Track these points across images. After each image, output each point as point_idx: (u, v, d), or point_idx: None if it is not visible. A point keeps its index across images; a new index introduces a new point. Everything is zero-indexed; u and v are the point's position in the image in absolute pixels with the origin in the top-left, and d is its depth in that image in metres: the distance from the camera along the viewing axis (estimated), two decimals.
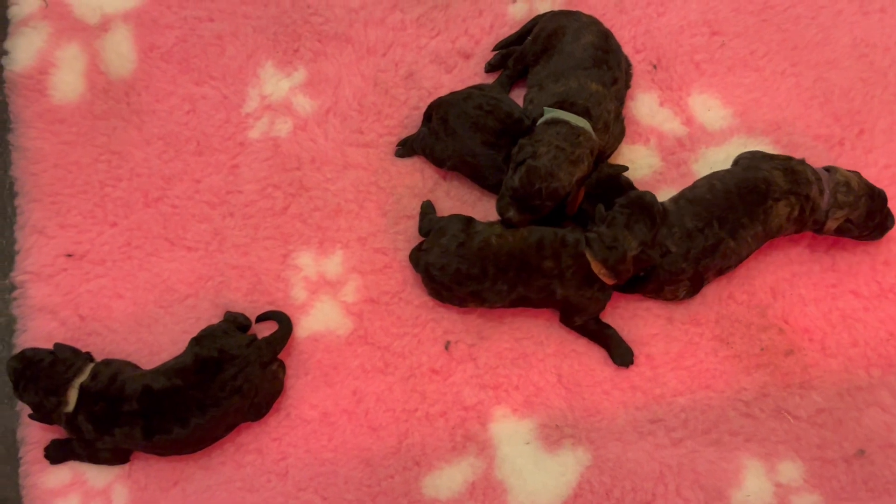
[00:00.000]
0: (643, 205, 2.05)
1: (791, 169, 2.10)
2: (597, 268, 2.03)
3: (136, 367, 2.13)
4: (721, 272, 2.14)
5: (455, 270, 2.07)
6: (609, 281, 2.05)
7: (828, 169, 2.14)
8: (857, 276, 2.21)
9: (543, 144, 2.05)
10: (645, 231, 2.03)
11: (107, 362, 2.08)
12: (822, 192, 2.09)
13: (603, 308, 2.13)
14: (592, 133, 2.12)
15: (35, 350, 2.07)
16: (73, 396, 1.99)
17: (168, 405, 1.96)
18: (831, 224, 2.11)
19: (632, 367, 2.15)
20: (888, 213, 2.15)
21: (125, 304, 2.24)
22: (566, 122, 2.09)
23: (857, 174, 2.14)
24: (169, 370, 2.01)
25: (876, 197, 2.13)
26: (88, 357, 2.12)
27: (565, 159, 2.04)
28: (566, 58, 2.22)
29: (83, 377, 2.01)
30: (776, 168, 2.09)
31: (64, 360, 2.03)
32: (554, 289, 2.06)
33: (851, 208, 2.09)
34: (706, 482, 2.05)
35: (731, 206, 2.06)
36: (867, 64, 2.39)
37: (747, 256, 2.13)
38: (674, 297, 2.15)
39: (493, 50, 2.42)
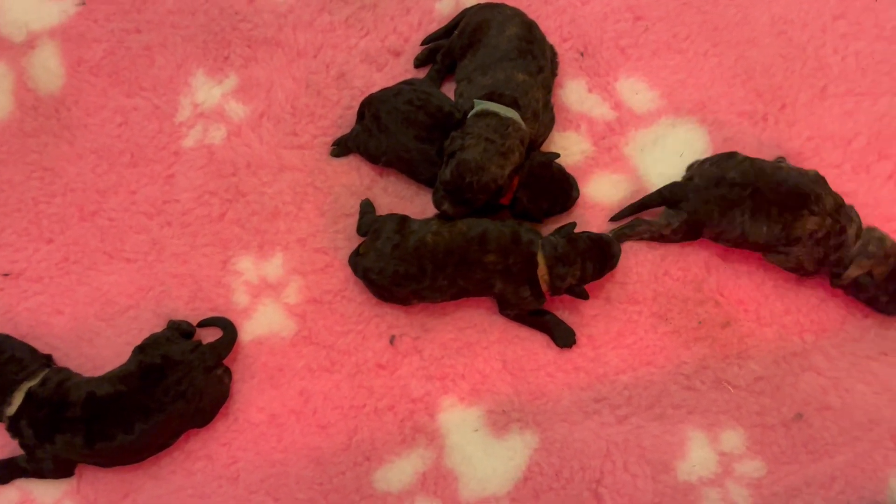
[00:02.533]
0: (605, 251, 2.12)
1: (841, 204, 2.11)
2: (542, 271, 2.07)
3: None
4: (718, 237, 2.16)
5: (393, 272, 2.08)
6: (545, 289, 2.09)
7: (869, 228, 2.13)
8: None
9: (473, 137, 2.08)
10: (591, 270, 2.10)
11: (58, 369, 2.08)
12: (857, 236, 2.09)
13: (534, 309, 2.16)
14: (522, 123, 2.15)
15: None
16: (18, 399, 1.99)
17: (112, 411, 1.95)
18: (853, 271, 2.08)
19: (574, 349, 2.18)
20: None
21: (65, 320, 2.23)
22: (495, 114, 2.12)
23: (893, 240, 2.12)
24: (113, 377, 2.01)
25: None
26: (46, 362, 2.11)
27: (495, 152, 2.07)
28: (492, 50, 2.25)
29: (33, 381, 2.01)
30: (831, 195, 2.10)
31: (20, 360, 2.03)
32: (493, 283, 2.09)
33: (878, 262, 2.07)
34: (652, 456, 2.09)
35: (771, 191, 2.08)
36: (786, 40, 2.46)
37: (746, 241, 2.13)
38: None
39: (422, 45, 2.45)
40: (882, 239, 2.10)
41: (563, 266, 2.05)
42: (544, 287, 2.08)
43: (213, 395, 2.07)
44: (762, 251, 2.17)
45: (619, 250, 2.16)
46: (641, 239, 2.25)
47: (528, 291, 2.09)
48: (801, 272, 2.16)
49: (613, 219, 2.29)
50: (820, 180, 2.13)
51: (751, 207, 2.08)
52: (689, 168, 2.26)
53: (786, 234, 2.08)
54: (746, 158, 2.16)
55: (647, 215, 2.27)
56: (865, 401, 2.12)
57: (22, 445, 2.02)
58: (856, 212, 2.14)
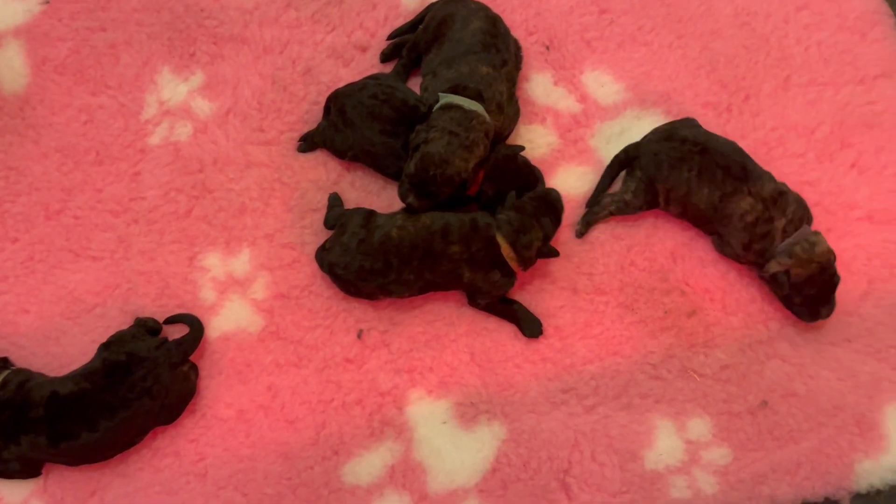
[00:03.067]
0: (549, 201, 2.14)
1: (784, 193, 2.11)
2: (506, 251, 2.07)
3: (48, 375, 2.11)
4: (668, 197, 2.19)
5: (358, 267, 2.09)
6: (515, 266, 2.10)
7: (812, 232, 2.11)
8: None
9: (437, 130, 2.09)
10: (549, 225, 2.12)
11: (18, 370, 2.07)
12: (786, 233, 2.09)
13: (507, 291, 2.17)
14: (486, 115, 2.16)
15: None
16: None
17: (76, 410, 1.94)
18: (772, 266, 2.08)
19: (541, 340, 2.19)
20: (828, 300, 2.10)
21: (31, 319, 2.22)
22: (459, 107, 2.13)
23: (832, 253, 2.08)
24: (77, 375, 2.00)
25: (828, 276, 2.07)
26: (3, 364, 2.10)
27: (459, 145, 2.08)
28: (456, 44, 2.26)
29: None
30: (772, 183, 2.12)
31: None
32: (461, 273, 2.10)
33: (799, 264, 2.05)
34: (620, 445, 2.10)
35: (720, 154, 2.13)
36: (749, 31, 2.48)
37: (690, 203, 2.16)
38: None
39: (388, 39, 2.46)
40: (814, 244, 2.07)
41: (524, 234, 2.07)
42: (514, 265, 2.09)
43: (179, 392, 2.07)
44: (704, 227, 2.22)
45: (559, 195, 2.17)
46: (609, 215, 2.26)
47: (497, 274, 2.10)
48: (738, 259, 2.19)
49: (588, 203, 2.30)
50: (765, 172, 2.16)
51: (698, 165, 2.12)
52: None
53: (722, 206, 2.11)
54: (700, 126, 2.22)
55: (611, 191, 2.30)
56: (830, 387, 2.14)
57: None
58: (803, 210, 2.13)
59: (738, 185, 2.10)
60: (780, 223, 2.09)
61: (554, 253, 2.13)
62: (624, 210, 2.25)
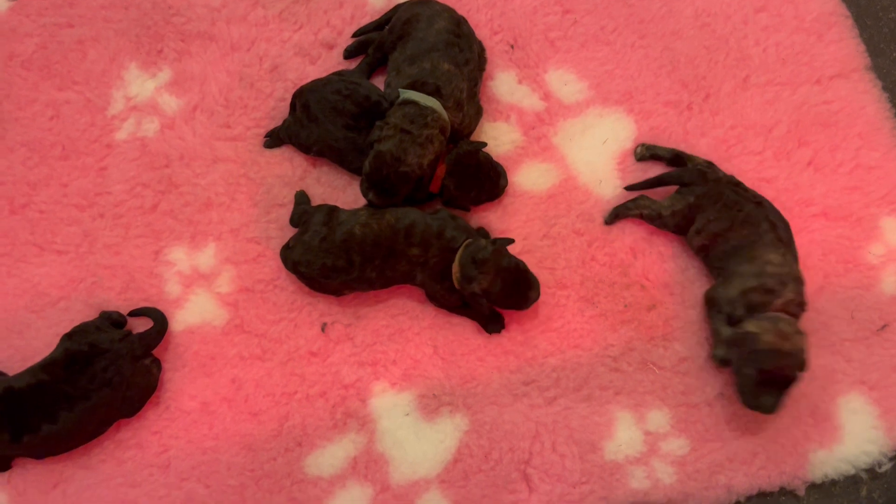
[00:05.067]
0: (523, 285, 2.09)
1: (803, 283, 2.07)
2: (455, 269, 2.08)
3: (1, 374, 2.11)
4: (706, 224, 2.15)
5: (321, 265, 2.11)
6: (456, 286, 2.10)
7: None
8: None
9: (390, 127, 2.12)
10: (498, 289, 2.06)
11: None
12: (783, 308, 2.02)
13: (455, 304, 2.18)
14: (442, 112, 2.19)
15: None
16: None
17: (33, 403, 1.95)
18: (750, 324, 2.01)
19: (504, 334, 2.22)
20: (776, 392, 1.99)
21: None
22: (415, 103, 2.16)
23: (806, 355, 2.00)
24: (35, 368, 2.00)
25: (790, 368, 1.98)
26: None
27: (412, 142, 2.11)
28: (420, 42, 2.29)
29: None
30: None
31: None
32: (415, 274, 2.13)
33: (776, 336, 1.98)
34: (580, 436, 2.13)
35: (771, 220, 2.12)
36: (709, 32, 2.53)
37: (724, 243, 2.13)
38: None
39: (353, 37, 2.49)
40: (797, 335, 2.00)
41: (475, 269, 2.03)
42: (455, 283, 2.09)
43: (140, 385, 2.08)
44: (714, 263, 2.19)
45: (538, 294, 2.11)
46: (637, 217, 2.29)
47: (443, 286, 2.12)
48: (730, 306, 2.09)
49: (628, 188, 2.33)
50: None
51: (751, 212, 2.11)
52: (710, 164, 2.29)
53: (751, 248, 2.09)
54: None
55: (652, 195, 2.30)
56: None
57: None
58: (802, 309, 2.07)
59: (778, 242, 2.09)
60: (787, 294, 2.03)
61: (483, 311, 2.16)
62: (653, 221, 2.26)
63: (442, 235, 2.10)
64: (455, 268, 2.07)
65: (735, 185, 2.19)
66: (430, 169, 2.16)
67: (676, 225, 2.24)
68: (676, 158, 2.32)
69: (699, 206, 2.18)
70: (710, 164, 2.27)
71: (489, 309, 2.14)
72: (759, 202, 2.15)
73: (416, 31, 2.32)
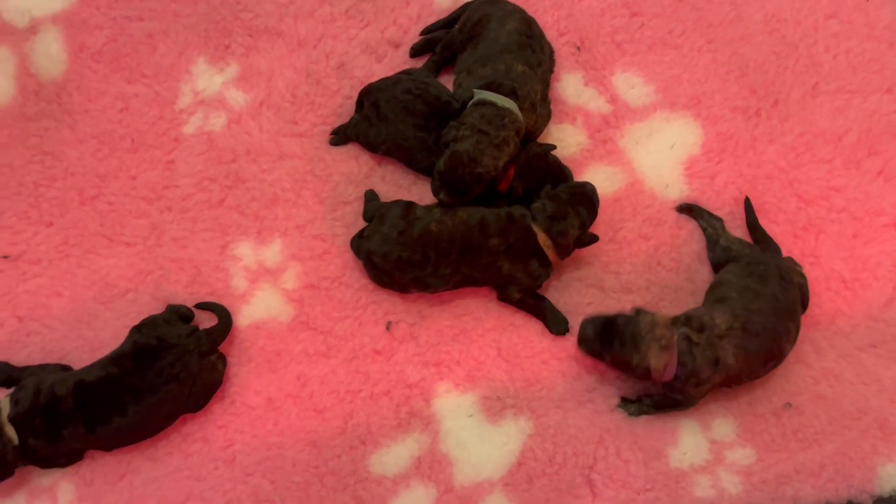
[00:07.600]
0: (584, 192, 2.16)
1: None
2: (542, 239, 2.10)
3: (60, 369, 2.11)
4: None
5: (397, 258, 2.11)
6: (552, 255, 2.12)
7: None
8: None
9: (467, 128, 2.11)
10: (585, 214, 2.14)
11: (20, 386, 2.02)
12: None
13: (544, 282, 2.20)
14: (519, 114, 2.18)
15: None
16: (11, 432, 1.95)
17: (103, 395, 1.95)
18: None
19: (568, 337, 2.21)
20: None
21: (64, 302, 2.24)
22: (492, 104, 2.16)
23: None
24: (104, 361, 2.01)
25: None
26: (4, 370, 2.12)
27: (489, 143, 2.10)
28: (492, 43, 2.28)
29: (6, 412, 1.97)
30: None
31: None
32: (500, 265, 2.12)
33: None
34: (645, 443, 2.12)
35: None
36: (779, 38, 2.50)
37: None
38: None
39: (421, 35, 2.49)
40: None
41: (559, 222, 2.10)
42: (551, 255, 2.12)
43: (206, 381, 2.08)
44: None
45: (594, 187, 2.19)
46: (701, 227, 2.28)
47: (535, 264, 2.13)
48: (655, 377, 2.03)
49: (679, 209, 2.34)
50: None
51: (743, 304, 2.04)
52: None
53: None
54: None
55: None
56: (854, 391, 2.15)
57: (38, 461, 2.02)
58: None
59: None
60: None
61: (594, 239, 2.15)
62: (709, 241, 2.26)
63: (513, 218, 2.13)
64: (542, 238, 2.11)
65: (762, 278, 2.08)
66: (504, 170, 2.15)
67: (718, 263, 2.21)
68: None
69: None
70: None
71: (588, 238, 2.15)
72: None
73: (487, 31, 2.31)
